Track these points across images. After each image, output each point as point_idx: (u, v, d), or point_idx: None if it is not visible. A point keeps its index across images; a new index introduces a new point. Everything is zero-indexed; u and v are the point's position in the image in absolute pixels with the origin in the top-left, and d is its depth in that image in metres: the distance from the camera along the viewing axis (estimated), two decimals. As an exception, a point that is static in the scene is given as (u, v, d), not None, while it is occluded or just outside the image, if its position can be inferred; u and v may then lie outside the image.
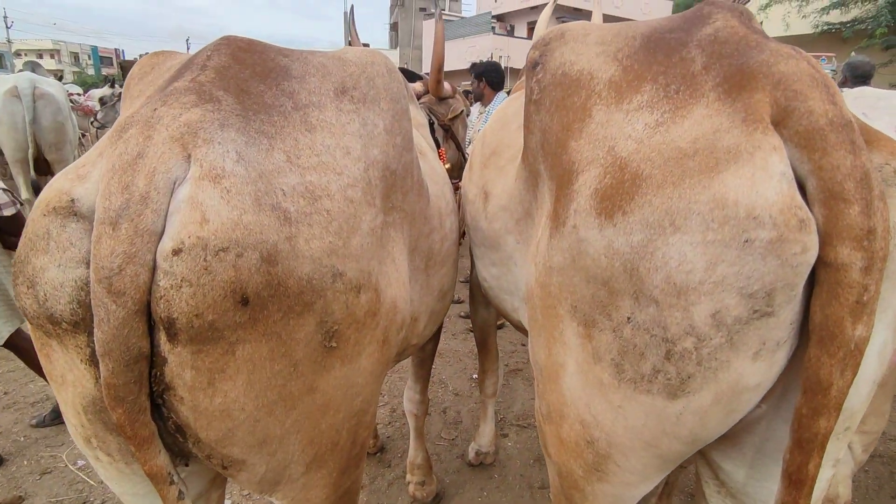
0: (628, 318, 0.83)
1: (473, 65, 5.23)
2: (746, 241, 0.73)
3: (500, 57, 22.08)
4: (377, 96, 1.12)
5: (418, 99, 2.83)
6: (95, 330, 0.74)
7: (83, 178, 0.80)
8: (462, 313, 4.35)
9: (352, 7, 2.79)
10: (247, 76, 0.98)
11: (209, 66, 0.95)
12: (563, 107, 1.03)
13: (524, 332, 1.57)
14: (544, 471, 2.46)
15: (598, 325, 0.88)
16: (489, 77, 4.42)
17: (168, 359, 0.78)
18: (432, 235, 1.48)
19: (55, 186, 0.81)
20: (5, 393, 3.10)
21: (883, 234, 0.72)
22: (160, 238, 0.76)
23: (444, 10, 29.60)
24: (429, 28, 27.64)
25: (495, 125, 1.71)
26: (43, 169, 5.67)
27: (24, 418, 2.85)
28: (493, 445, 2.48)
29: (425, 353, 2.17)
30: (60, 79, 11.30)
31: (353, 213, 0.95)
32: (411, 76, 4.40)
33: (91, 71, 45.06)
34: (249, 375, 0.83)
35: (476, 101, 6.49)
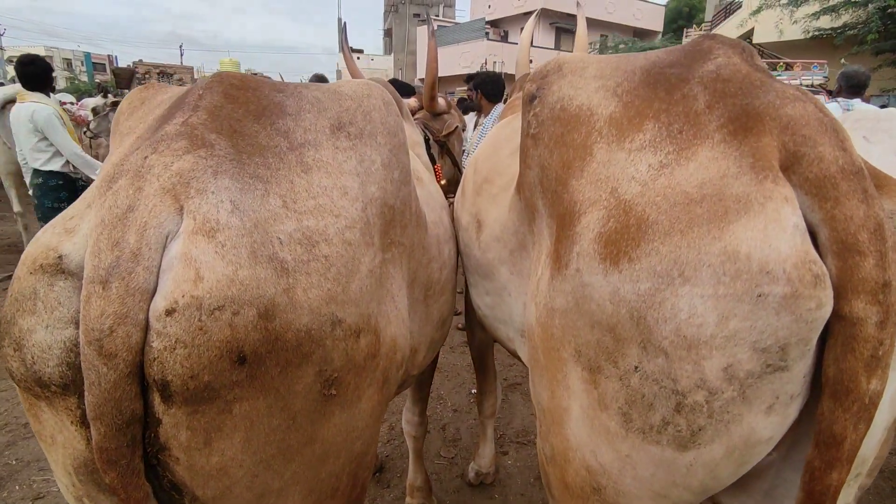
0: (636, 367, 0.81)
1: (470, 75, 5.22)
2: (759, 296, 0.71)
3: (495, 63, 22.11)
4: (374, 131, 1.10)
5: (413, 115, 2.81)
6: (86, 393, 0.71)
7: (71, 232, 0.77)
8: (459, 325, 4.33)
9: (344, 24, 2.76)
10: (240, 115, 0.95)
11: (201, 107, 0.92)
12: (562, 143, 1.01)
13: (519, 359, 1.55)
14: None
15: (603, 371, 0.86)
16: (485, 89, 4.40)
17: (162, 420, 0.75)
18: (431, 265, 1.46)
19: (42, 241, 0.78)
20: (-3, 414, 3.05)
21: None
22: (152, 296, 0.73)
23: (437, 15, 29.63)
24: (423, 34, 27.65)
25: (487, 151, 1.68)
26: (35, 181, 5.62)
27: (17, 440, 2.80)
28: (493, 466, 2.45)
29: (424, 376, 2.15)
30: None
31: (351, 257, 0.93)
32: (405, 88, 4.39)
33: (84, 77, 44.83)
34: (247, 432, 0.80)
35: (470, 111, 6.51)
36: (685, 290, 0.75)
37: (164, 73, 27.52)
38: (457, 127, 2.89)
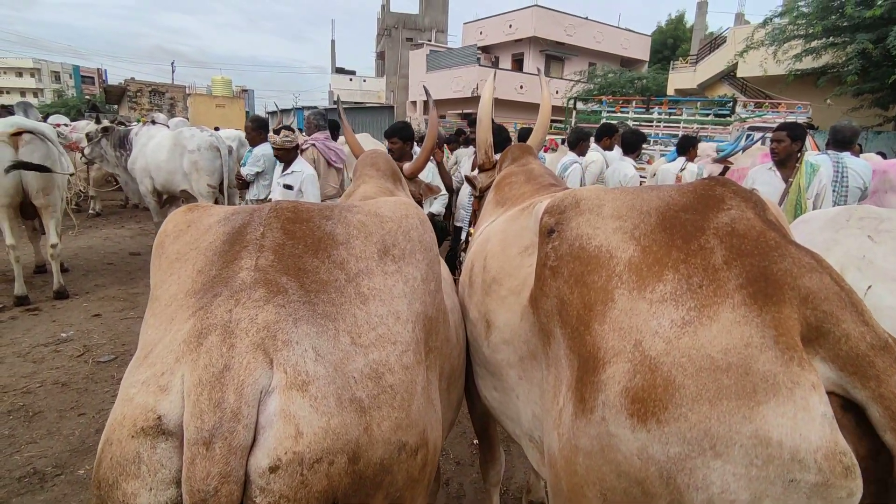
0: (666, 523, 0.85)
1: (469, 115, 5.36)
2: (791, 482, 0.75)
3: (486, 88, 22.44)
4: (413, 249, 1.18)
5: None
6: None
7: (165, 390, 0.80)
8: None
9: (338, 97, 2.79)
10: (300, 251, 1.02)
11: (266, 247, 0.99)
12: (583, 283, 1.05)
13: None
14: (548, 555, 2.45)
15: (633, 519, 0.90)
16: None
17: None
18: (452, 353, 1.51)
19: (138, 402, 0.80)
20: (-11, 467, 2.98)
21: None
22: (250, 451, 0.77)
23: (429, 40, 30.03)
24: (415, 58, 28.02)
25: (495, 247, 1.70)
26: (30, 213, 5.56)
27: (11, 497, 2.74)
28: (499, 532, 2.46)
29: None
30: (53, 114, 11.08)
31: (410, 380, 0.99)
32: (408, 132, 4.43)
33: (72, 92, 44.50)
34: None
35: (471, 144, 6.65)
36: (717, 464, 0.79)
37: (156, 92, 27.39)
38: (434, 188, 2.89)
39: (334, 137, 5.72)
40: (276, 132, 4.50)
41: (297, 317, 0.88)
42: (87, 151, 7.97)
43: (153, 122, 7.81)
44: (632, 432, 0.88)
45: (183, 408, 0.78)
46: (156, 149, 6.99)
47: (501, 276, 1.57)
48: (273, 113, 26.62)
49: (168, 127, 7.75)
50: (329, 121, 5.53)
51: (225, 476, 0.74)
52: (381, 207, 1.22)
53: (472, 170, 4.71)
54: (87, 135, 8.03)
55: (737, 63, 15.97)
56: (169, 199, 7.56)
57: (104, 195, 10.80)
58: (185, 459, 0.75)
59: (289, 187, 4.38)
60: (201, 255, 1.04)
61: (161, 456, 0.78)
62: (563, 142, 8.86)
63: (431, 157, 4.61)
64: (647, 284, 0.96)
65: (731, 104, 9.90)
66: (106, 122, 8.07)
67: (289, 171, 4.49)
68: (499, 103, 20.09)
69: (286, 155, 4.47)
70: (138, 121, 8.45)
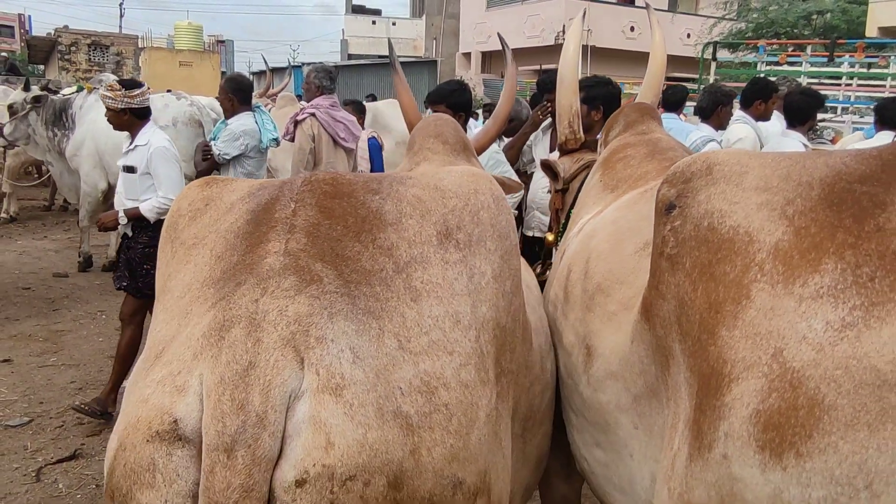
0: None
1: (545, 81, 5.42)
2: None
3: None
4: (483, 235, 1.35)
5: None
6: None
7: (182, 391, 1.01)
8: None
9: (389, 40, 3.04)
10: (339, 234, 1.22)
11: (297, 227, 1.20)
12: (709, 276, 1.18)
13: None
14: None
15: None
16: (607, 100, 3.98)
17: None
18: (533, 388, 1.65)
19: (153, 403, 1.01)
20: None
21: None
22: (276, 463, 0.96)
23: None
24: (470, -12, 28.53)
25: (602, 245, 1.80)
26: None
27: None
28: None
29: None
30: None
31: (470, 402, 1.15)
32: (463, 98, 4.66)
33: (-16, 44, 47.65)
34: None
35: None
36: (877, 510, 0.89)
37: (98, 45, 29.06)
38: (510, 183, 3.11)
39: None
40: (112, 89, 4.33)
41: (334, 311, 1.08)
42: (7, 130, 8.37)
43: (106, 89, 8.18)
44: (762, 472, 0.99)
45: (201, 411, 0.98)
46: None
47: (610, 284, 1.69)
48: (261, 73, 27.61)
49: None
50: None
51: (247, 490, 0.93)
52: (442, 179, 1.40)
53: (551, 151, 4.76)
54: (9, 106, 8.48)
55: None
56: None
57: (22, 192, 11.31)
58: (203, 468, 0.95)
59: (130, 170, 4.42)
60: (221, 239, 1.27)
61: (177, 465, 0.98)
62: (694, 110, 8.85)
63: (501, 138, 4.64)
64: (798, 276, 1.07)
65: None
66: (37, 90, 8.49)
67: (132, 145, 4.50)
68: (598, 53, 20.15)
69: (116, 120, 4.45)
70: (80, 88, 8.87)
